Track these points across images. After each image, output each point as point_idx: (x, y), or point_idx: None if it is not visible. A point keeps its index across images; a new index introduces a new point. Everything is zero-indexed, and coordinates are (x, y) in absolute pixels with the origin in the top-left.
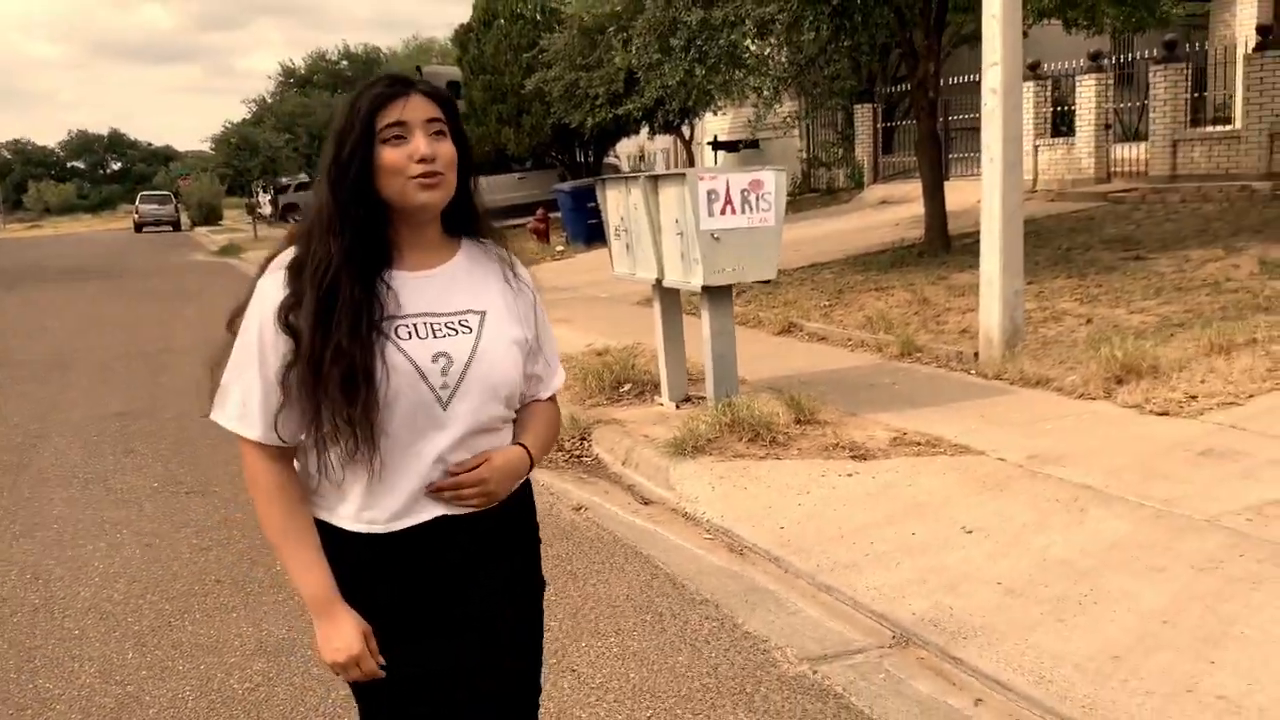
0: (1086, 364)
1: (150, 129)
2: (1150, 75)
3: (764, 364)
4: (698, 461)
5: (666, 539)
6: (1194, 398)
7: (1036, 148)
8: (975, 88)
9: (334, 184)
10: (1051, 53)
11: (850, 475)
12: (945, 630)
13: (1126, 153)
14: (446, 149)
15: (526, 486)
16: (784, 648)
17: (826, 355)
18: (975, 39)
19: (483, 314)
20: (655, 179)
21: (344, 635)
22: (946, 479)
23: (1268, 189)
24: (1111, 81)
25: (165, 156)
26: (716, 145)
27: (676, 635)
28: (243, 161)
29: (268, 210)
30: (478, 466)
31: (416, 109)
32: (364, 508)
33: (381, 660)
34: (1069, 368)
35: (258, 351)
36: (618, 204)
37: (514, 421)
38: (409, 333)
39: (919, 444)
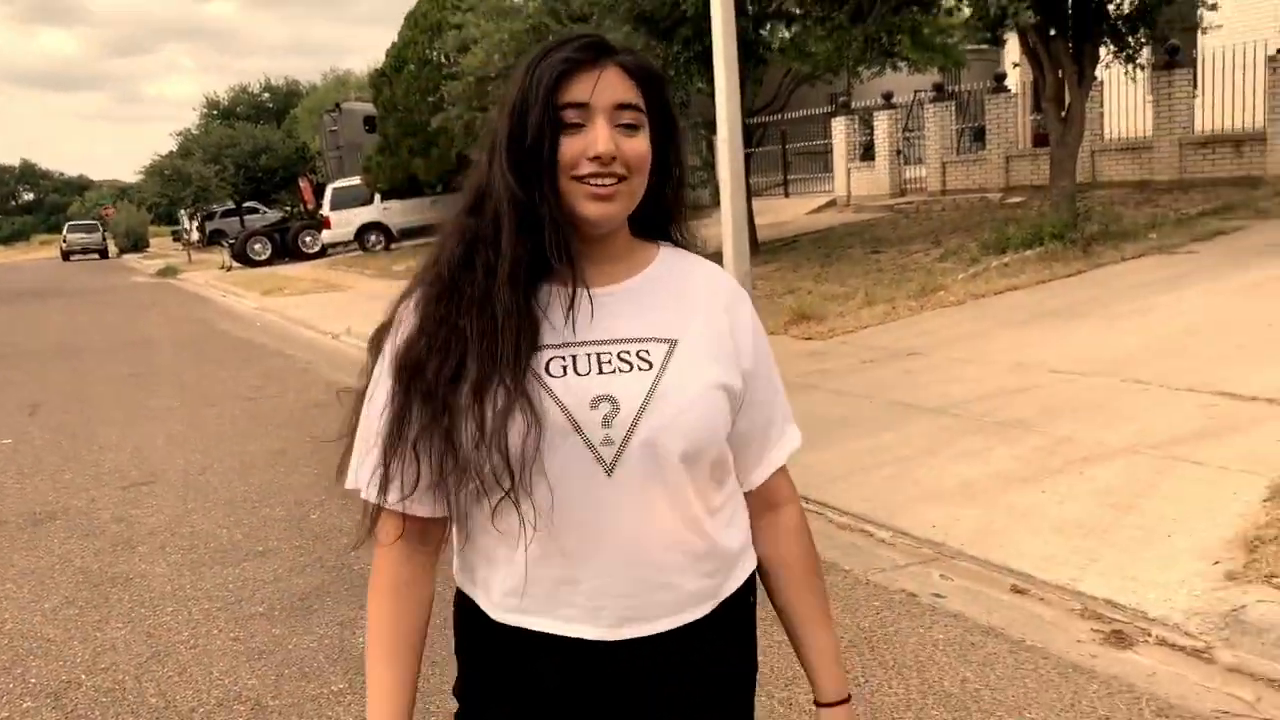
0: (781, 314)
1: (61, 158)
2: (923, 111)
3: None
4: None
5: None
6: (833, 330)
7: (849, 170)
8: (815, 120)
9: (518, 172)
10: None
11: None
12: None
13: (915, 172)
14: (636, 146)
15: (747, 610)
16: None
17: None
18: (813, 80)
19: (671, 343)
20: None
21: None
22: None
23: (998, 198)
24: (900, 117)
25: (80, 186)
26: None
27: None
28: (176, 192)
29: (195, 236)
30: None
31: (606, 88)
32: (509, 593)
33: None
34: (771, 317)
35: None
36: None
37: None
38: (564, 367)
39: None
